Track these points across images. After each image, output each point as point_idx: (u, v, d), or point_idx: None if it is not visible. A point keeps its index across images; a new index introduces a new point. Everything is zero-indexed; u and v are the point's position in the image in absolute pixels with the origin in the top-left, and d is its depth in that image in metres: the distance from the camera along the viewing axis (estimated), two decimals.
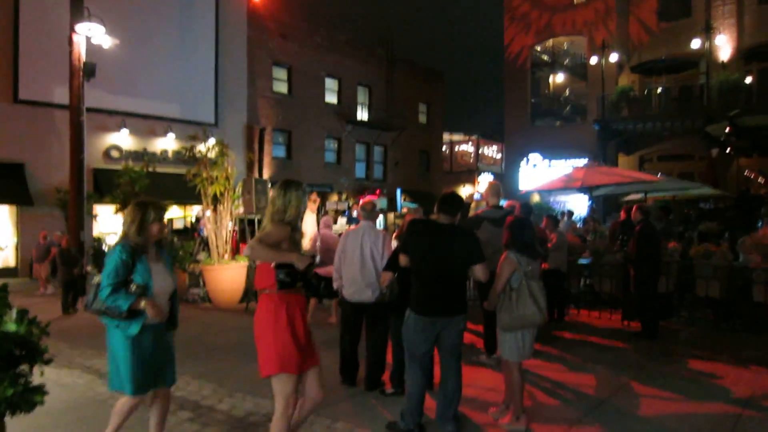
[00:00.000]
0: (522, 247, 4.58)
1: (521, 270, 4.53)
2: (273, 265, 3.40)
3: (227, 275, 11.27)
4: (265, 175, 23.69)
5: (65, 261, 11.07)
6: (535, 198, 25.10)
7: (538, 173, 26.80)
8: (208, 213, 11.83)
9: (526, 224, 4.81)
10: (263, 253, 3.39)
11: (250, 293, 10.84)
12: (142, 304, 3.46)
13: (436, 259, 4.21)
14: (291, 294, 3.49)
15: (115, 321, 3.49)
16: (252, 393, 5.43)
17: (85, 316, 10.45)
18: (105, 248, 17.22)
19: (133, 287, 3.50)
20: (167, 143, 20.60)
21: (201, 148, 11.96)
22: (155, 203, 3.69)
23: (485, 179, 35.45)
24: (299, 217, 3.62)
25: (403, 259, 4.45)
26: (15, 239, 17.48)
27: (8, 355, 2.56)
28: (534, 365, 6.18)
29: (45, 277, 14.03)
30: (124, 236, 3.61)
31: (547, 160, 27.37)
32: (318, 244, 9.05)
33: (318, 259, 8.98)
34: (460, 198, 4.49)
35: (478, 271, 4.23)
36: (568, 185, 12.40)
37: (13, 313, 2.53)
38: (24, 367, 2.66)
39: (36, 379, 2.65)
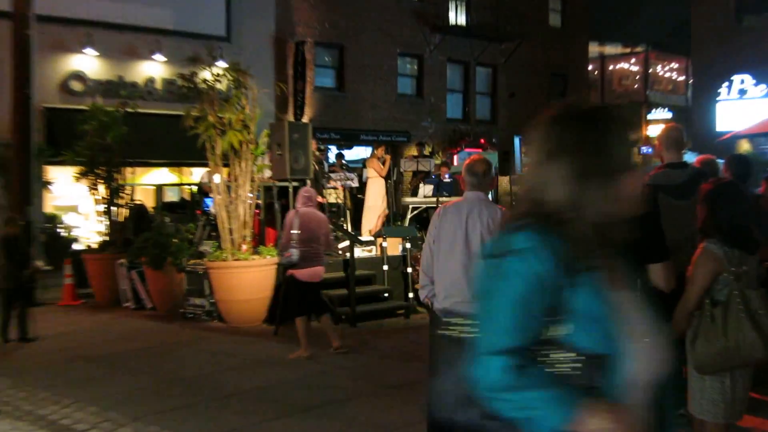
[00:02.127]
0: (731, 232, 4.43)
1: (730, 272, 4.34)
2: None
3: (247, 278, 11.45)
4: (306, 116, 23.85)
5: (11, 256, 10.76)
6: (744, 146, 24.14)
7: (749, 106, 25.76)
8: (218, 178, 11.98)
9: (737, 194, 4.57)
10: None
11: (282, 308, 10.84)
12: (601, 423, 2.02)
13: None
14: None
15: None
16: None
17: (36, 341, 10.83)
18: (63, 233, 17.88)
19: (571, 360, 2.11)
20: (154, 69, 21.00)
21: (206, 75, 12.09)
22: (619, 113, 2.30)
23: (660, 118, 34.39)
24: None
25: None
26: None
27: None
28: (750, 427, 5.91)
29: None
30: (542, 215, 2.19)
31: (763, 84, 26.28)
32: (295, 231, 9.08)
33: (296, 255, 9.03)
34: None
35: (657, 275, 4.14)
36: None
37: None
38: None
39: None
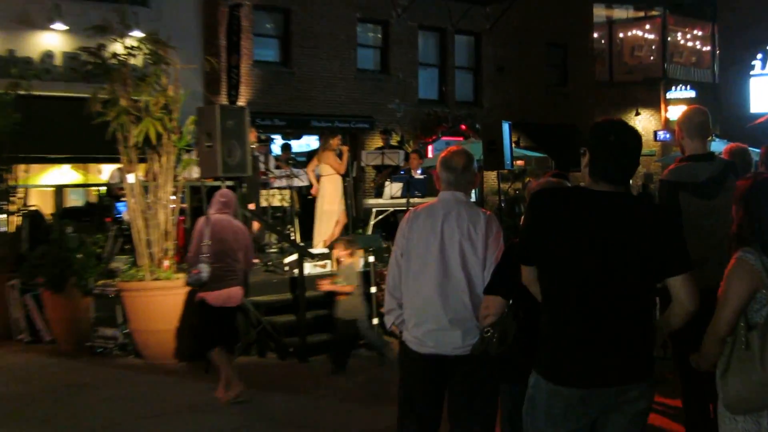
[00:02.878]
0: None
1: None
2: None
3: (169, 302, 11.37)
4: (243, 98, 23.82)
5: None
6: None
7: None
8: (132, 178, 11.90)
9: None
10: None
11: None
12: None
13: (590, 267, 4.13)
14: None
15: None
16: None
17: None
18: None
19: None
20: (53, 41, 20.87)
21: (117, 48, 12.02)
22: None
23: (682, 97, 34.73)
24: None
25: (524, 270, 4.37)
26: None
27: None
28: None
29: None
30: None
31: None
32: (206, 241, 9.19)
33: (205, 272, 9.09)
34: (634, 136, 4.35)
35: (678, 290, 4.15)
36: None
37: None
38: None
39: None
